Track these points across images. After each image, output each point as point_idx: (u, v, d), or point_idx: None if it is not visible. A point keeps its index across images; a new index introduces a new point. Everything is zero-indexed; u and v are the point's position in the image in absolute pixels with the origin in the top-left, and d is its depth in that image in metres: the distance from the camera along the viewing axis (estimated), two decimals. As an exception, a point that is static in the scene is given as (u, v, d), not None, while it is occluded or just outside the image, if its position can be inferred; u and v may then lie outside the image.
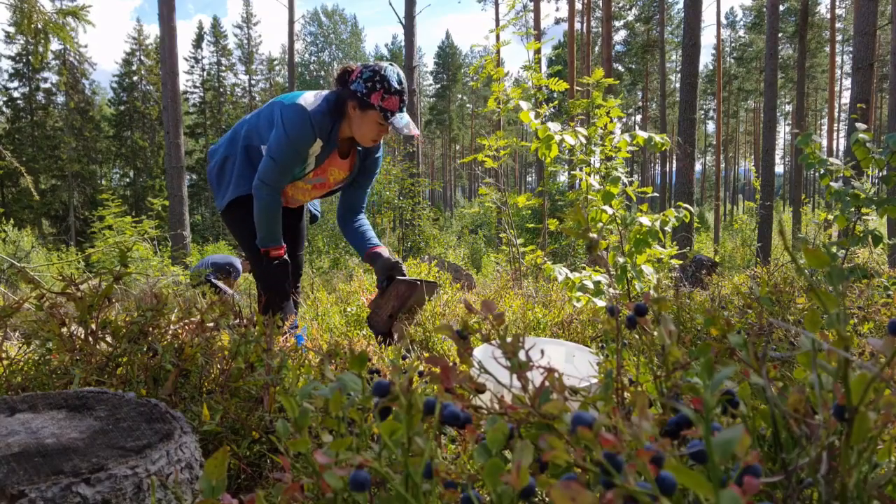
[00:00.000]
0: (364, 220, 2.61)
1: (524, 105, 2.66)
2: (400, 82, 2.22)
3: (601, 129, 2.71)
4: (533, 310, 2.49)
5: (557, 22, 31.78)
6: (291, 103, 2.23)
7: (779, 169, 47.51)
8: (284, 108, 2.24)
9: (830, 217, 2.64)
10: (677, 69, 35.84)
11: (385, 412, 0.58)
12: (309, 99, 2.27)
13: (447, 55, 50.00)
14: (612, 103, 2.71)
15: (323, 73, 44.87)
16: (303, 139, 2.22)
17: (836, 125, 28.12)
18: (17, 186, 29.08)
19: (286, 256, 2.43)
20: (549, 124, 2.53)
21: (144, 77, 34.87)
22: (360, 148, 2.45)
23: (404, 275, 2.39)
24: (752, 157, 45.13)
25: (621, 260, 2.27)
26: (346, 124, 2.31)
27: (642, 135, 2.52)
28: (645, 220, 2.34)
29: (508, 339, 0.63)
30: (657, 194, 25.63)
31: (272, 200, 2.30)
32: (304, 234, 2.75)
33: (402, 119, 2.23)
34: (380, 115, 2.22)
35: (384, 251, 2.48)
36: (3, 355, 1.34)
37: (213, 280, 6.70)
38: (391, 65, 2.27)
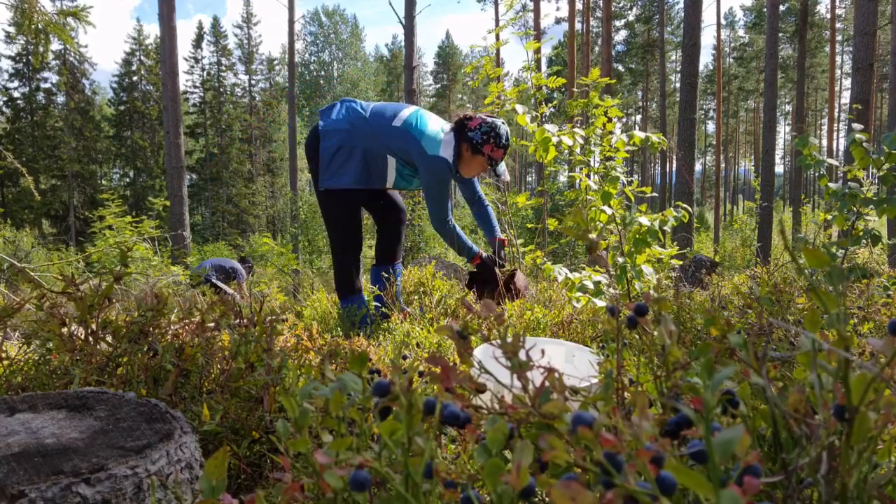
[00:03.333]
0: (488, 208, 3.27)
1: (520, 108, 2.73)
2: (507, 140, 2.77)
3: (600, 129, 2.71)
4: (532, 310, 2.49)
5: (558, 21, 31.76)
6: (436, 157, 2.70)
7: (779, 169, 47.52)
8: (432, 159, 2.70)
9: (830, 217, 2.64)
10: (677, 69, 35.84)
11: (385, 412, 0.58)
12: (447, 149, 2.75)
13: (447, 55, 49.99)
14: (609, 103, 2.71)
15: (323, 72, 44.83)
16: (449, 182, 2.82)
17: (836, 125, 28.10)
18: (17, 186, 29.08)
19: (482, 257, 3.06)
20: (546, 126, 2.55)
21: (144, 77, 34.87)
22: None
23: (492, 269, 3.03)
24: (752, 157, 45.12)
25: (621, 260, 2.27)
26: (458, 161, 2.84)
27: (640, 135, 2.52)
28: (644, 220, 2.34)
29: (508, 339, 0.63)
30: (656, 194, 25.62)
31: (453, 228, 2.90)
32: (397, 197, 3.20)
33: (501, 167, 2.87)
34: (486, 161, 2.77)
35: (502, 251, 3.15)
36: (3, 355, 1.34)
37: (214, 280, 6.73)
38: (503, 123, 2.80)
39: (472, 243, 3.03)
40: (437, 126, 2.82)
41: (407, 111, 2.81)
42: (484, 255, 3.06)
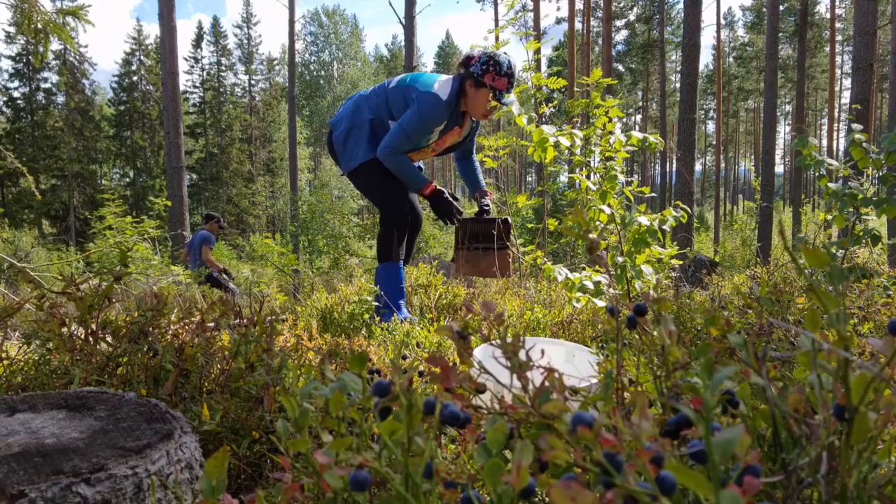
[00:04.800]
0: (476, 164, 3.25)
1: (516, 109, 2.75)
2: (510, 67, 2.70)
3: (600, 129, 2.71)
4: (532, 310, 2.49)
5: (558, 21, 31.74)
6: (428, 91, 2.69)
7: (779, 169, 47.47)
8: (421, 94, 2.68)
9: (830, 217, 2.64)
10: (677, 69, 35.84)
11: (385, 412, 0.58)
12: (443, 86, 2.73)
13: (447, 55, 49.99)
14: (610, 103, 2.71)
15: (323, 72, 44.83)
16: (434, 120, 2.72)
17: (836, 125, 28.09)
18: (16, 186, 29.07)
19: (436, 188, 2.92)
20: (544, 127, 2.55)
21: (144, 77, 34.86)
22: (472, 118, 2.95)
23: (447, 202, 2.95)
24: (752, 157, 45.12)
25: (621, 260, 2.27)
26: (464, 101, 2.79)
27: (638, 135, 2.52)
28: (644, 220, 2.34)
29: (508, 339, 0.63)
30: (656, 195, 25.61)
31: (402, 160, 2.76)
32: (416, 203, 3.20)
33: (510, 97, 2.75)
34: (490, 92, 2.69)
35: (486, 199, 3.13)
36: (3, 355, 1.34)
37: (216, 276, 6.84)
38: (504, 54, 2.74)
39: (420, 175, 2.89)
40: (434, 76, 2.85)
41: (404, 75, 2.90)
42: (437, 186, 2.92)
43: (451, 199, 2.93)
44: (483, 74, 2.69)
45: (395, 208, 2.91)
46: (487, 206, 3.13)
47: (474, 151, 3.25)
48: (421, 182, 2.86)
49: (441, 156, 3.21)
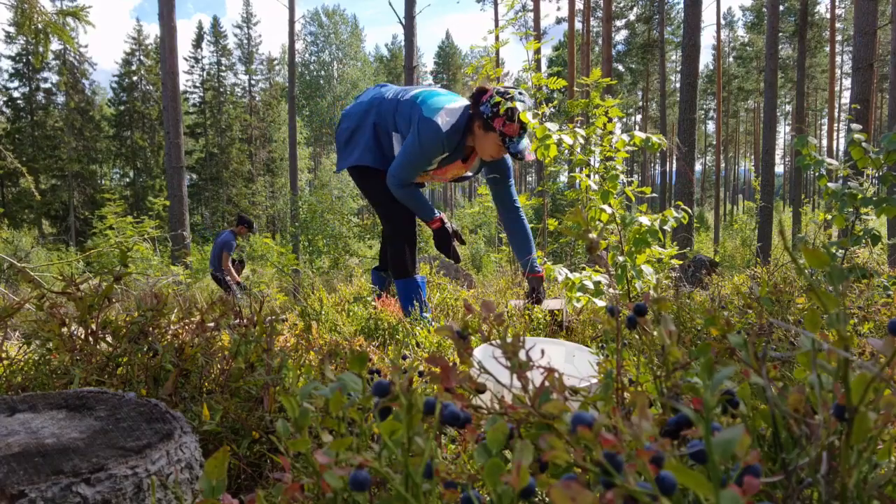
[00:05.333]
0: (523, 224, 2.83)
1: (520, 107, 2.68)
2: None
3: (600, 129, 2.71)
4: (532, 310, 2.49)
5: (558, 21, 31.74)
6: (429, 119, 2.48)
7: (779, 169, 47.45)
8: (422, 120, 2.49)
9: (829, 217, 2.64)
10: (677, 69, 35.83)
11: (385, 412, 0.58)
12: (445, 116, 2.52)
13: (447, 55, 49.98)
14: (610, 103, 2.71)
15: (323, 72, 44.82)
16: (432, 151, 2.52)
17: (836, 125, 28.08)
18: (16, 186, 29.07)
19: (443, 223, 2.73)
20: (548, 124, 2.53)
21: (144, 77, 34.86)
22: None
23: (449, 238, 2.75)
24: (752, 157, 45.09)
25: (621, 260, 2.27)
26: (471, 138, 2.59)
27: (640, 135, 2.52)
28: (644, 220, 2.34)
29: (508, 339, 0.63)
30: (656, 195, 25.61)
31: (412, 192, 2.62)
32: None
33: (520, 144, 2.48)
34: (499, 138, 2.46)
35: (541, 287, 2.73)
36: (3, 355, 1.34)
37: (217, 275, 6.88)
38: (520, 93, 2.48)
39: (432, 206, 2.73)
40: (447, 98, 2.63)
41: (422, 89, 2.68)
42: (445, 220, 2.73)
43: (453, 235, 2.75)
44: (493, 118, 2.45)
45: (402, 223, 2.76)
46: (539, 295, 2.70)
47: (519, 206, 2.83)
48: (428, 214, 2.70)
49: (452, 182, 2.99)
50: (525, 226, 2.82)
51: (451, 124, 2.49)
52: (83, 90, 31.89)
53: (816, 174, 2.67)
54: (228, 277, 6.78)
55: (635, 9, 33.52)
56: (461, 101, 2.64)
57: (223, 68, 37.99)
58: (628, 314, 0.74)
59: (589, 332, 2.34)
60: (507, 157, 2.74)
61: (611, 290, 2.22)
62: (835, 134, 27.94)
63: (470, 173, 2.81)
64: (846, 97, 37.49)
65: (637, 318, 0.73)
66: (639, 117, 42.47)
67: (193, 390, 1.28)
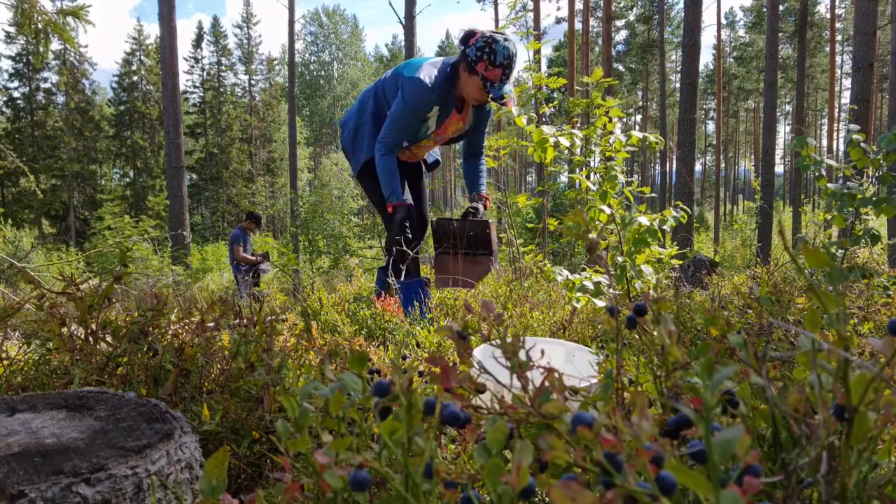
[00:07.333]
0: (483, 164, 2.98)
1: (515, 110, 2.72)
2: (506, 58, 2.41)
3: (600, 129, 2.71)
4: (532, 310, 2.49)
5: (558, 21, 31.74)
6: (412, 77, 2.48)
7: (779, 169, 47.45)
8: (405, 80, 2.49)
9: (829, 217, 2.63)
10: (677, 69, 35.81)
11: (385, 412, 0.58)
12: (430, 69, 2.52)
13: (447, 55, 49.92)
14: (611, 103, 2.71)
15: (323, 72, 44.82)
16: (420, 108, 2.51)
17: (836, 125, 28.09)
18: (17, 187, 29.06)
19: (408, 203, 2.70)
20: (544, 127, 2.53)
21: (144, 77, 34.86)
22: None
23: (470, 217, 2.85)
24: (752, 157, 45.11)
25: (621, 260, 2.27)
26: (459, 85, 2.58)
27: (638, 135, 2.52)
28: (644, 220, 2.34)
29: (508, 339, 0.63)
30: (656, 195, 25.60)
31: (389, 162, 2.58)
32: (425, 189, 3.08)
33: (501, 90, 2.46)
34: (481, 81, 2.45)
35: (480, 206, 2.88)
36: (3, 355, 1.34)
37: (234, 272, 7.20)
38: (506, 39, 2.44)
39: (402, 191, 2.70)
40: (428, 59, 2.66)
41: (403, 62, 2.77)
42: (408, 202, 2.72)
43: (404, 228, 2.71)
44: (476, 61, 2.44)
45: (394, 219, 2.74)
46: (476, 209, 2.89)
47: (483, 150, 2.99)
48: (396, 194, 2.65)
49: (449, 144, 2.99)
50: (482, 167, 2.98)
51: (435, 76, 2.51)
52: (83, 90, 31.90)
53: (815, 175, 2.67)
54: (244, 266, 7.25)
55: (635, 9, 33.52)
56: (443, 59, 2.67)
57: (223, 68, 37.99)
58: (628, 314, 0.74)
59: (589, 332, 2.34)
60: (489, 109, 2.84)
61: (611, 290, 2.22)
62: (835, 134, 27.95)
63: (468, 126, 2.82)
64: (846, 97, 37.49)
65: (637, 318, 0.73)
66: (639, 117, 42.48)
67: (193, 390, 1.28)
